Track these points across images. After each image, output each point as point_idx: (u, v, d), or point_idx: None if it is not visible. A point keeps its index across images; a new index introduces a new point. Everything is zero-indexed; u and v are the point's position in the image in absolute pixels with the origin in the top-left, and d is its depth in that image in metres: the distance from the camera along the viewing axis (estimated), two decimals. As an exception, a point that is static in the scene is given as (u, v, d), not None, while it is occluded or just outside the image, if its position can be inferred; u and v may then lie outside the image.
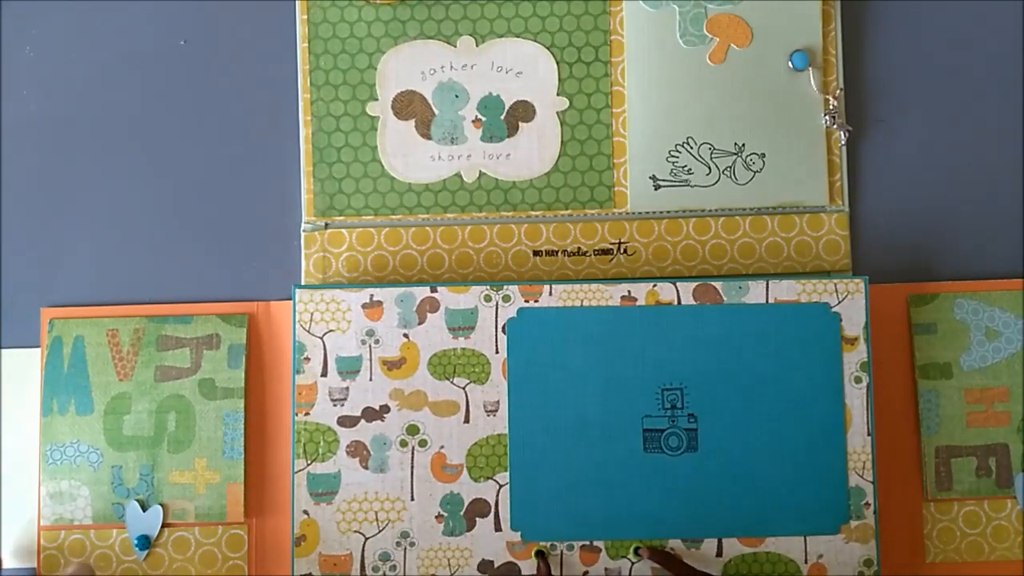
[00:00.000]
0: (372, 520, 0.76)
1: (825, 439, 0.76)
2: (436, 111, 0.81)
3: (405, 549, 0.75)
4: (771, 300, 0.77)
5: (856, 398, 0.76)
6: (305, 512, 0.75)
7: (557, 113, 0.81)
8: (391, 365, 0.76)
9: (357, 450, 0.76)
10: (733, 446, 0.76)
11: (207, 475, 0.78)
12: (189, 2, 0.83)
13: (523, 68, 0.81)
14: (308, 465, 0.76)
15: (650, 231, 0.81)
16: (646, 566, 0.75)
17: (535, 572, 0.75)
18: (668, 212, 0.81)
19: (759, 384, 0.76)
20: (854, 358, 0.76)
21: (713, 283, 0.77)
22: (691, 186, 0.81)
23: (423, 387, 0.76)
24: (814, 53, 0.81)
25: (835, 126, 0.81)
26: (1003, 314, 0.80)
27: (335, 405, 0.76)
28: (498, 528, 0.76)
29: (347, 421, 0.76)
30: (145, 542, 0.77)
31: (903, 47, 0.83)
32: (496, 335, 0.77)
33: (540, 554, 0.75)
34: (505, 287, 0.77)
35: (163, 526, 0.78)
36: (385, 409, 0.76)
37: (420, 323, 0.77)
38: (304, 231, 0.81)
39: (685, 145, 0.81)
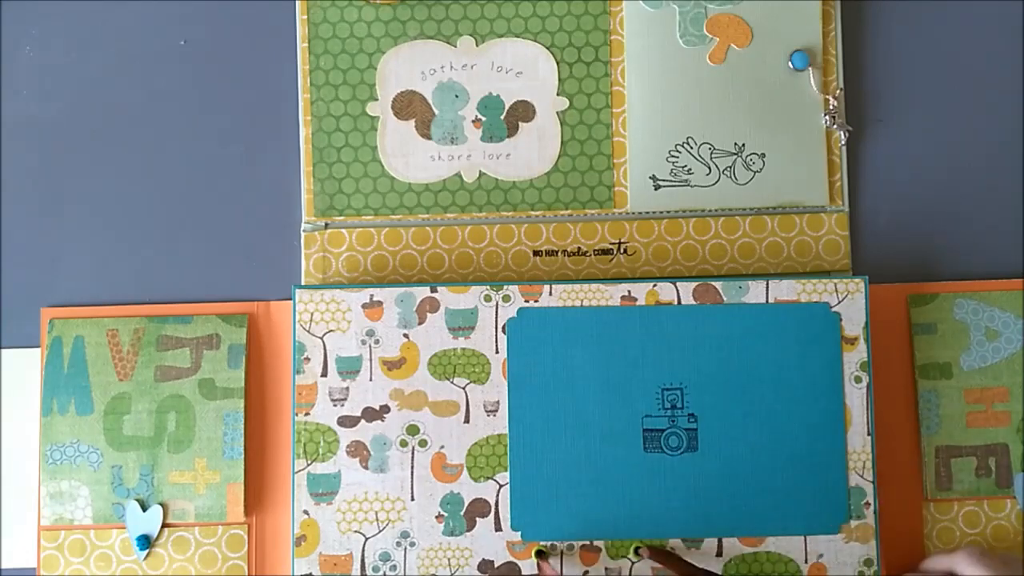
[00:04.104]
0: (372, 520, 0.76)
1: (825, 439, 0.76)
2: (436, 111, 0.81)
3: (405, 549, 0.75)
4: (771, 300, 0.77)
5: (856, 398, 0.76)
6: (305, 512, 0.75)
7: (557, 113, 0.81)
8: (391, 365, 0.77)
9: (357, 450, 0.76)
10: (733, 446, 0.76)
11: (207, 475, 0.78)
12: (189, 2, 0.83)
13: (523, 68, 0.81)
14: (308, 465, 0.76)
15: (650, 231, 0.81)
16: (646, 566, 0.75)
17: (537, 571, 0.75)
18: (668, 212, 0.81)
19: (759, 384, 0.76)
20: (854, 358, 0.76)
21: (713, 283, 0.77)
22: (691, 186, 0.81)
23: (423, 387, 0.76)
24: (814, 53, 0.81)
25: (835, 126, 0.81)
26: (1003, 314, 0.80)
27: (335, 405, 0.76)
28: (498, 528, 0.76)
29: (347, 421, 0.76)
30: (145, 542, 0.77)
31: (903, 47, 0.83)
32: (496, 335, 0.77)
33: (540, 553, 0.75)
34: (505, 287, 0.77)
35: (163, 526, 0.78)
36: (385, 409, 0.76)
37: (420, 323, 0.77)
38: (304, 231, 0.81)
39: (685, 145, 0.81)
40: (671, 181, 0.81)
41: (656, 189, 0.81)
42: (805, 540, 0.76)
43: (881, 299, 0.80)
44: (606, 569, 0.76)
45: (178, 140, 0.82)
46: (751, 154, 0.81)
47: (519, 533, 0.76)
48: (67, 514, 0.77)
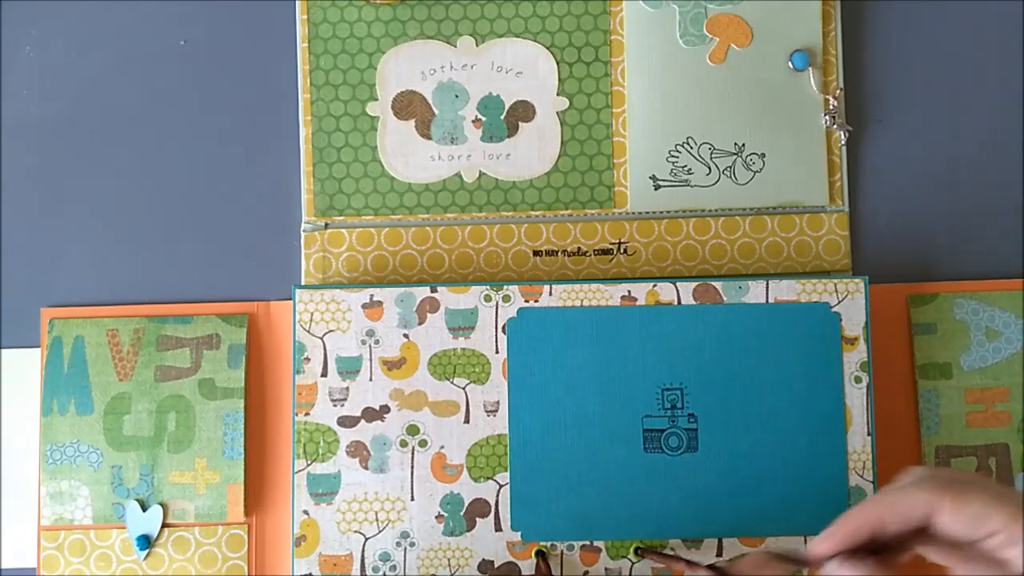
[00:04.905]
0: (372, 520, 0.76)
1: (825, 439, 0.76)
2: (436, 111, 0.81)
3: (405, 549, 0.75)
4: (771, 300, 0.77)
5: (856, 398, 0.76)
6: (305, 512, 0.75)
7: (557, 113, 0.81)
8: (391, 365, 0.76)
9: (357, 450, 0.76)
10: (733, 446, 0.76)
11: (207, 475, 0.78)
12: (189, 2, 0.83)
13: (523, 68, 0.81)
14: (308, 465, 0.76)
15: (650, 231, 0.81)
16: (646, 566, 0.75)
17: (535, 572, 0.75)
18: (668, 212, 0.81)
19: (759, 384, 0.76)
20: (854, 358, 0.76)
21: (713, 283, 0.77)
22: (691, 186, 0.81)
23: (423, 387, 0.76)
24: (814, 53, 0.81)
25: (835, 126, 0.81)
26: (1003, 314, 0.80)
27: (335, 405, 0.76)
28: (498, 528, 0.76)
29: (347, 421, 0.76)
30: (145, 542, 0.77)
31: (903, 47, 0.83)
32: (496, 335, 0.77)
33: (540, 554, 0.75)
34: (505, 287, 0.77)
35: (163, 526, 0.78)
36: (385, 409, 0.76)
37: (420, 323, 0.77)
38: (304, 231, 0.81)
39: (685, 145, 0.81)
40: (671, 181, 0.81)
41: (656, 189, 0.81)
42: (805, 540, 0.76)
43: (881, 299, 0.80)
44: (606, 569, 0.75)
45: (178, 140, 0.82)
46: (751, 154, 0.81)
47: (519, 533, 0.76)
48: (67, 514, 0.77)
